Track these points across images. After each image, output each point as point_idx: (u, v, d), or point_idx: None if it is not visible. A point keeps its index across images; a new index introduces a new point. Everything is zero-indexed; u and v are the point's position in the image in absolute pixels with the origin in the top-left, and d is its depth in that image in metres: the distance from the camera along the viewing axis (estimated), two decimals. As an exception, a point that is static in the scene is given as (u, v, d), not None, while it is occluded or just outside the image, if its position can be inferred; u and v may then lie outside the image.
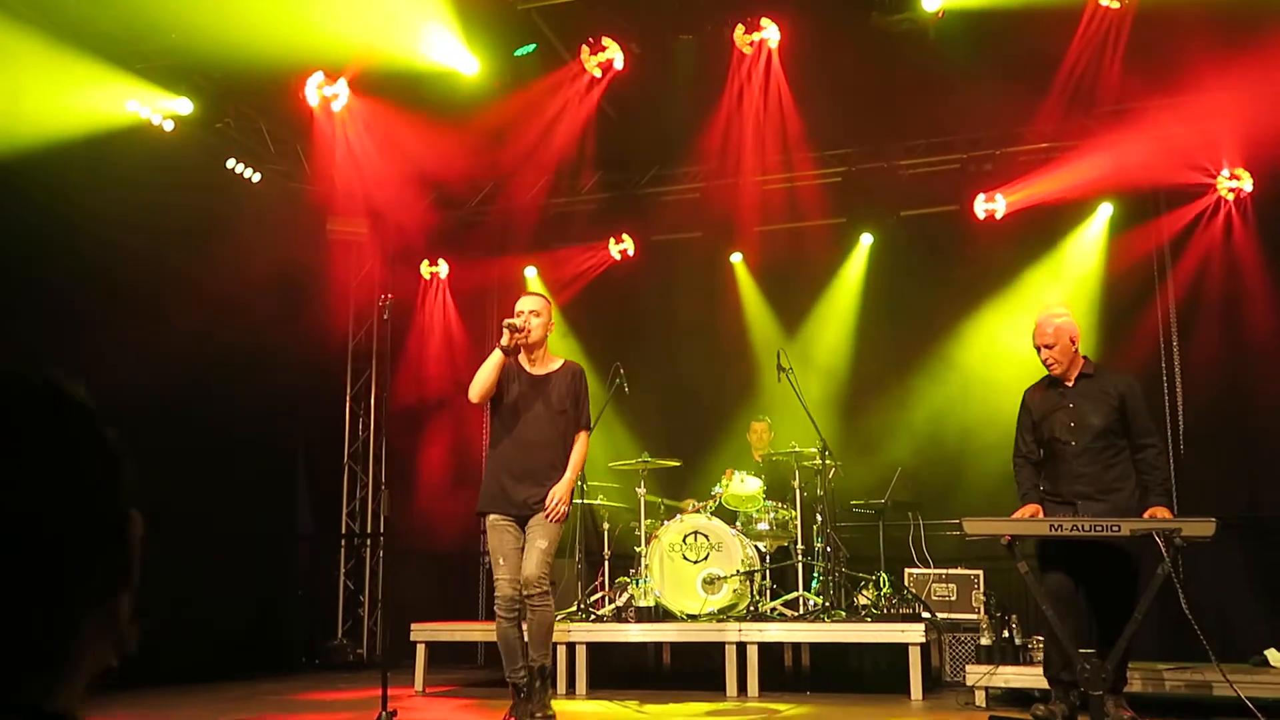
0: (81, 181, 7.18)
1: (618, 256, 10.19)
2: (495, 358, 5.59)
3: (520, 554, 5.49)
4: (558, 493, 5.52)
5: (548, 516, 5.49)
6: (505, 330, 5.58)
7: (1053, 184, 9.06)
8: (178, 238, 7.99)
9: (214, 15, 7.31)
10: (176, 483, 7.80)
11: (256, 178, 9.34)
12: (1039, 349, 5.63)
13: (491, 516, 5.58)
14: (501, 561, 5.50)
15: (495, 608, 5.52)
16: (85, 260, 7.32)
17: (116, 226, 7.40)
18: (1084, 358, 5.67)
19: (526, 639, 5.50)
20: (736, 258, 10.06)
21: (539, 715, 5.46)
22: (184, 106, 8.41)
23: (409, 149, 8.97)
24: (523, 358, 5.74)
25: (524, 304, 5.75)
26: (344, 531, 10.78)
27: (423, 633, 7.92)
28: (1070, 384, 5.62)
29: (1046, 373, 5.72)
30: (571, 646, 7.46)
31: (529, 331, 5.63)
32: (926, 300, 9.29)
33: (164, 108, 8.32)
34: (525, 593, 5.43)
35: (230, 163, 9.14)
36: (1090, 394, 5.58)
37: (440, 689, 7.84)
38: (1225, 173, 8.81)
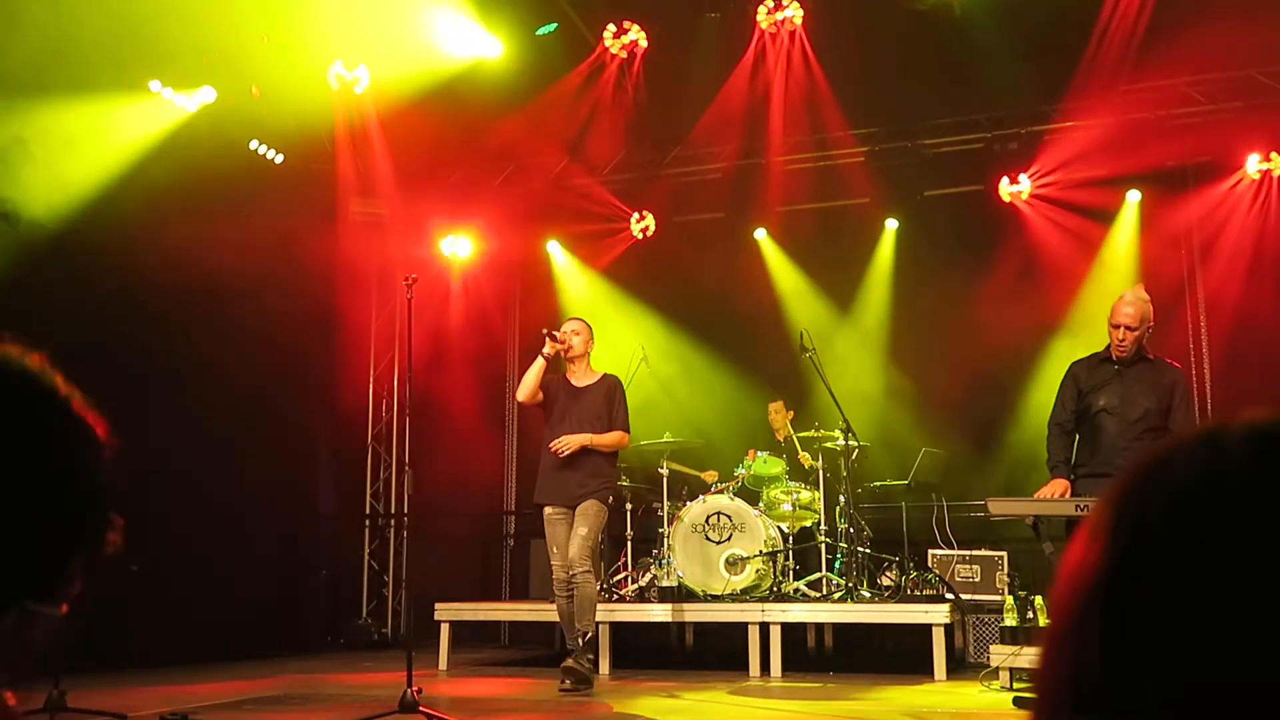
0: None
1: (639, 235, 10.16)
2: (538, 363, 6.42)
3: (566, 544, 6.36)
4: (573, 438, 6.33)
5: (553, 449, 6.34)
6: (546, 339, 6.38)
7: (1079, 164, 8.98)
8: (202, 219, 8.00)
9: (232, 13, 7.38)
10: (200, 464, 7.87)
11: (279, 159, 9.34)
12: (1118, 327, 5.51)
13: (547, 510, 6.46)
14: (555, 550, 6.40)
15: (554, 587, 6.46)
16: (127, 256, 7.40)
17: (150, 218, 7.48)
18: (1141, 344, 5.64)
19: (576, 606, 6.34)
20: (760, 234, 10.01)
21: (568, 664, 6.24)
22: (207, 95, 8.42)
23: (432, 130, 8.97)
24: (568, 371, 6.59)
25: (567, 326, 6.59)
26: (368, 512, 10.83)
27: (446, 612, 7.95)
28: (1127, 366, 5.58)
29: (1090, 351, 5.72)
30: (595, 627, 7.47)
31: (570, 346, 6.46)
32: (953, 282, 9.22)
33: (189, 100, 8.37)
34: (570, 571, 6.29)
35: (254, 144, 9.15)
36: (1145, 378, 5.55)
37: (465, 668, 7.88)
38: (1255, 156, 8.70)
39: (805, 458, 8.48)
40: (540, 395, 6.50)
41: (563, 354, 6.48)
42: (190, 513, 7.67)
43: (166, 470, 6.90)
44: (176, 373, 7.78)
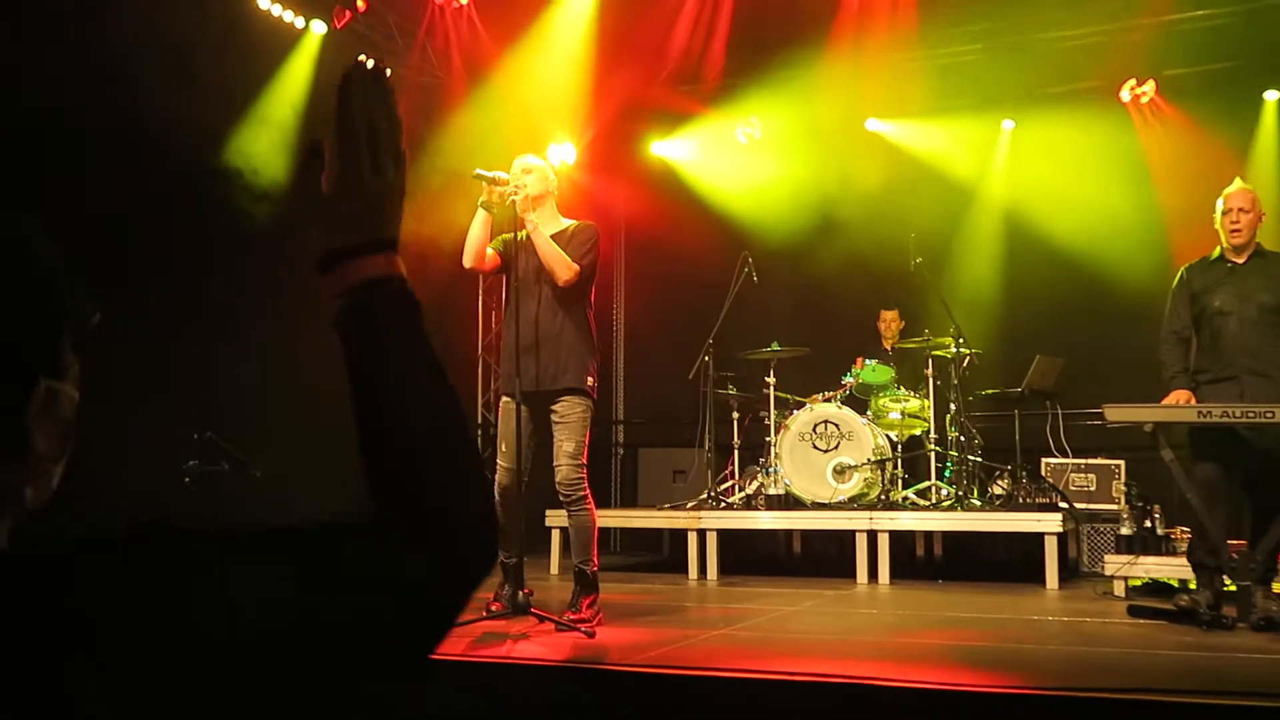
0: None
1: (744, 140, 10.02)
2: (479, 216, 5.03)
3: (523, 443, 5.05)
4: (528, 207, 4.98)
5: (503, 193, 4.97)
6: (486, 186, 4.98)
7: (1210, 59, 8.53)
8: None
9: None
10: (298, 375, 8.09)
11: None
12: (1230, 210, 5.32)
13: (503, 399, 5.25)
14: (504, 448, 5.12)
15: (497, 492, 5.07)
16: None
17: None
18: (1256, 240, 5.40)
19: (572, 540, 5.20)
20: (873, 124, 9.78)
21: (567, 618, 4.93)
22: (317, 28, 8.54)
23: (538, 41, 8.92)
24: (528, 225, 5.05)
25: (516, 163, 5.14)
26: (479, 423, 11.03)
27: (557, 519, 8.08)
28: (1240, 261, 5.36)
29: (1205, 255, 5.49)
30: (703, 534, 7.55)
31: (521, 187, 5.00)
32: (1070, 185, 8.90)
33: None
34: (561, 495, 5.13)
35: (361, 57, 9.16)
36: (1261, 272, 5.33)
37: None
38: None
39: (885, 321, 8.45)
40: (497, 259, 5.15)
41: (515, 203, 4.98)
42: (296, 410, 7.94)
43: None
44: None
